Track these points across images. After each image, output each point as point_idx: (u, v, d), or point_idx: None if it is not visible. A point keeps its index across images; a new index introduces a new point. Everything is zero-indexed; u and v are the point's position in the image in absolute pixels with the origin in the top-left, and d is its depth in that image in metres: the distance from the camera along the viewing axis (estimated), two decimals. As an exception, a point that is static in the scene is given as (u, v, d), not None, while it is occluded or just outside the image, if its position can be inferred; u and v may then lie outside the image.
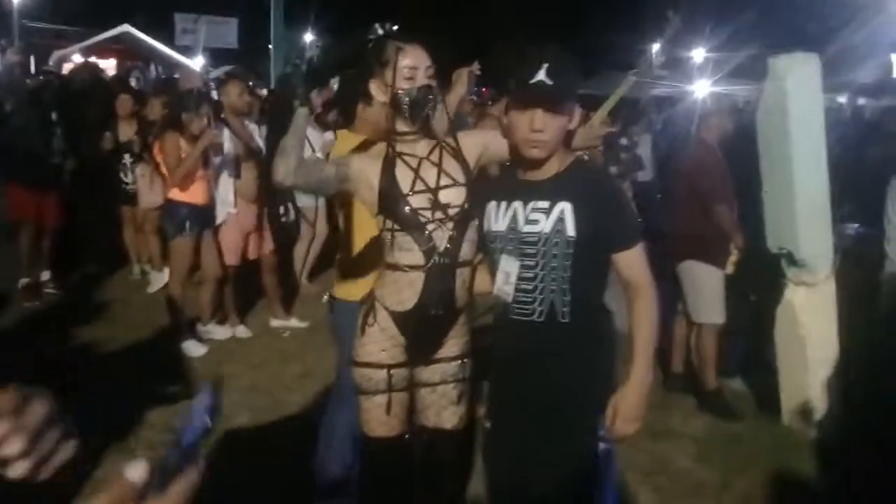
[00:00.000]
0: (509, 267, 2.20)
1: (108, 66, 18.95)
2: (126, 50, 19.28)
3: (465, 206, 2.27)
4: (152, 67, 19.04)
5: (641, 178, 8.14)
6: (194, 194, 5.02)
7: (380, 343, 2.34)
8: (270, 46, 17.80)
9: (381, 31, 2.27)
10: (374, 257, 2.49)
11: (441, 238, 2.25)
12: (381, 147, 2.33)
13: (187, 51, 16.75)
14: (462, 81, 3.14)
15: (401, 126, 2.27)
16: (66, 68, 16.38)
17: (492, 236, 2.27)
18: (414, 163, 2.28)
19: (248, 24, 19.99)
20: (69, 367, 4.49)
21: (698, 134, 4.71)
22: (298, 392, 4.42)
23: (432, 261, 2.25)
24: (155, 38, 18.86)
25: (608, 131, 2.83)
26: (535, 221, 2.17)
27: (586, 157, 2.54)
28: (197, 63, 17.92)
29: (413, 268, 2.25)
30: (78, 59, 18.56)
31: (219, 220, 5.20)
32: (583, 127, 2.45)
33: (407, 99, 2.20)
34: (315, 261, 6.56)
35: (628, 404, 2.17)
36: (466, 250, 2.30)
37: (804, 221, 3.84)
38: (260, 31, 19.25)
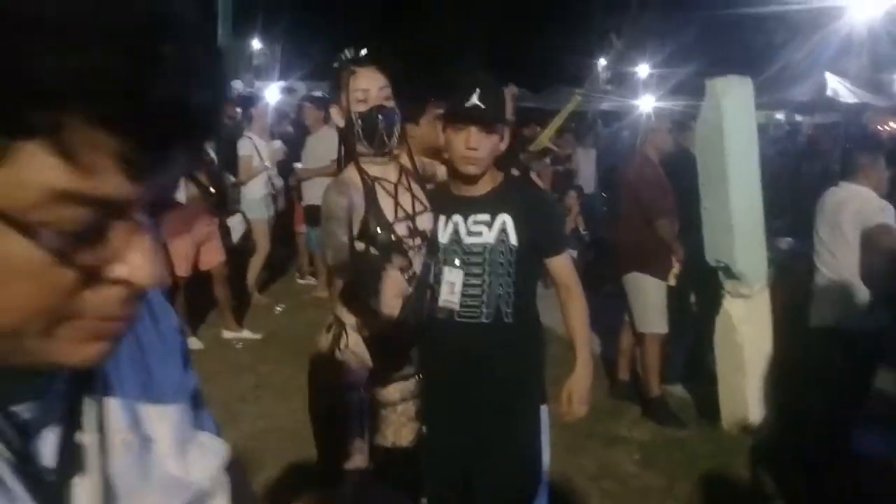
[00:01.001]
0: (453, 277, 2.38)
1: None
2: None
3: (433, 230, 2.39)
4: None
5: (585, 190, 8.35)
6: None
7: (348, 366, 2.34)
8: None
9: (343, 57, 2.33)
10: None
11: (417, 264, 2.33)
12: (352, 175, 2.31)
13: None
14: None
15: (361, 148, 2.29)
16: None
17: (439, 247, 2.42)
18: (391, 189, 2.31)
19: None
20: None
21: (641, 149, 4.89)
22: (253, 403, 4.46)
23: (413, 286, 2.31)
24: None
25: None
26: (478, 233, 2.37)
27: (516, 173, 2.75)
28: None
29: (395, 293, 2.28)
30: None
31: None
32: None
33: (360, 122, 2.22)
34: (263, 273, 6.57)
35: (580, 387, 2.42)
36: (432, 272, 2.40)
37: (740, 236, 4.03)
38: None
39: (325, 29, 29.10)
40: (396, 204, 2.30)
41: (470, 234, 2.38)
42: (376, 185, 2.28)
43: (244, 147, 6.55)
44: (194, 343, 5.42)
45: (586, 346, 2.47)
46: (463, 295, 2.36)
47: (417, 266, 2.33)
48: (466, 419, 2.45)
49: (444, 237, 2.41)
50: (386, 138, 2.24)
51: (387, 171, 2.33)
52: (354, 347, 2.34)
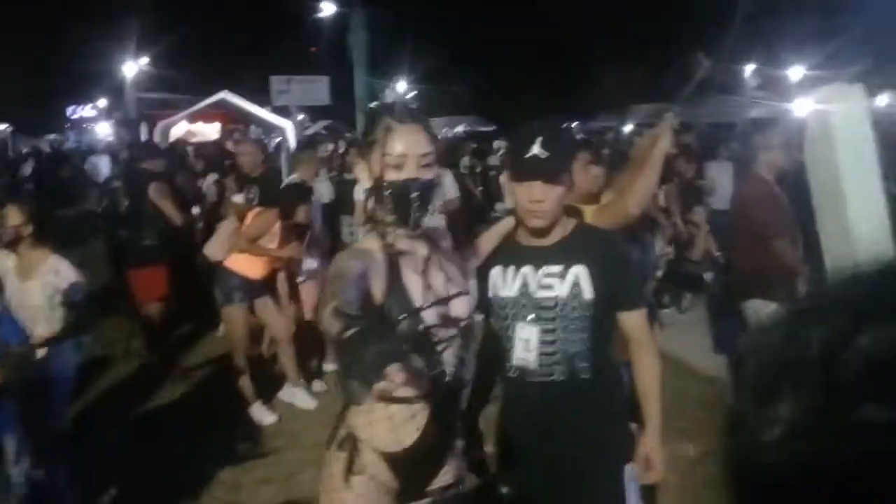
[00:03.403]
0: (527, 334, 2.25)
1: (213, 129, 20.17)
2: (227, 114, 20.47)
3: (472, 317, 2.04)
4: (252, 129, 20.11)
5: (717, 205, 7.90)
6: (250, 268, 4.97)
7: (367, 496, 1.94)
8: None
9: (381, 104, 2.14)
10: None
11: (449, 359, 1.93)
12: (372, 245, 1.90)
13: (282, 111, 17.50)
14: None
15: (387, 218, 1.88)
16: (174, 135, 17.55)
17: (502, 302, 2.30)
18: (419, 266, 1.92)
19: (340, 81, 20.81)
20: (148, 426, 4.78)
21: (752, 167, 4.57)
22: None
23: (440, 388, 1.89)
24: (254, 100, 19.90)
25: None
26: (550, 286, 2.23)
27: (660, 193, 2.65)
28: (296, 121, 18.87)
29: (416, 398, 1.84)
30: (184, 125, 19.84)
31: (301, 278, 5.42)
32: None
33: (389, 192, 1.84)
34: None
35: (654, 451, 2.28)
36: (471, 369, 2.13)
37: (863, 261, 3.64)
38: (351, 85, 19.99)
39: (467, 73, 29.84)
40: (426, 285, 1.91)
41: (541, 287, 2.24)
42: (401, 260, 1.89)
43: (359, 192, 6.75)
44: (316, 387, 5.58)
45: (657, 408, 2.30)
46: (539, 353, 2.24)
47: (450, 363, 1.93)
48: (545, 482, 2.32)
49: (511, 290, 2.28)
50: (419, 216, 1.86)
51: (415, 243, 1.94)
52: (372, 469, 1.94)
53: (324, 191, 7.07)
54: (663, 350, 2.50)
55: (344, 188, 7.17)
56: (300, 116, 22.87)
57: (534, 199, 2.17)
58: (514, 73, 28.90)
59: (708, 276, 6.97)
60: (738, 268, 4.47)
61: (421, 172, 1.85)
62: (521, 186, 2.19)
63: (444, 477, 2.04)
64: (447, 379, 1.92)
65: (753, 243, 4.28)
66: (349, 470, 1.92)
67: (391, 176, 1.83)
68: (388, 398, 1.81)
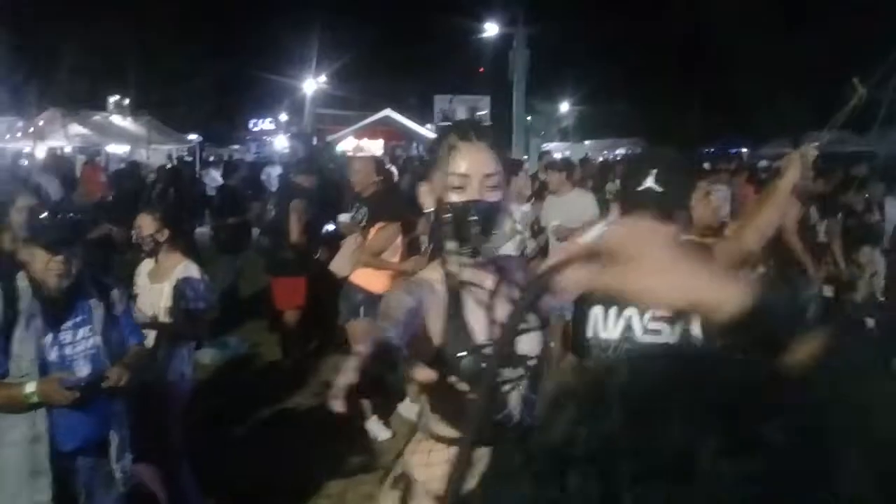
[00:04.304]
0: None
1: (377, 145, 21.02)
2: (390, 131, 21.25)
3: (542, 355, 1.83)
4: (413, 146, 20.76)
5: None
6: (373, 283, 4.94)
7: None
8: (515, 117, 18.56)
9: (447, 122, 2.02)
10: None
11: (516, 400, 1.77)
12: (433, 275, 1.79)
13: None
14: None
15: (450, 245, 1.75)
16: (340, 150, 18.43)
17: (603, 344, 2.13)
18: (484, 298, 1.76)
19: (500, 99, 20.98)
20: (267, 430, 4.96)
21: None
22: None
23: (504, 433, 1.72)
24: (417, 118, 20.56)
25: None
26: (657, 332, 2.04)
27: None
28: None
29: (479, 442, 1.66)
30: (351, 140, 20.80)
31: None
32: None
33: (448, 216, 1.72)
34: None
35: None
36: (538, 410, 1.85)
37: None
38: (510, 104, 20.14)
39: (634, 93, 29.16)
40: (491, 319, 1.73)
41: (647, 332, 2.05)
42: (464, 291, 1.75)
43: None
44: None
45: None
46: None
47: (516, 405, 1.76)
48: None
49: (614, 333, 2.10)
50: (480, 241, 1.72)
51: (481, 273, 1.79)
52: None
53: (522, 216, 7.05)
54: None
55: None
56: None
57: None
58: (683, 94, 27.86)
59: (869, 322, 6.32)
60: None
61: (484, 194, 1.71)
62: (629, 221, 1.99)
63: None
64: (512, 423, 1.75)
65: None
66: None
67: (453, 197, 1.71)
68: (450, 441, 1.71)
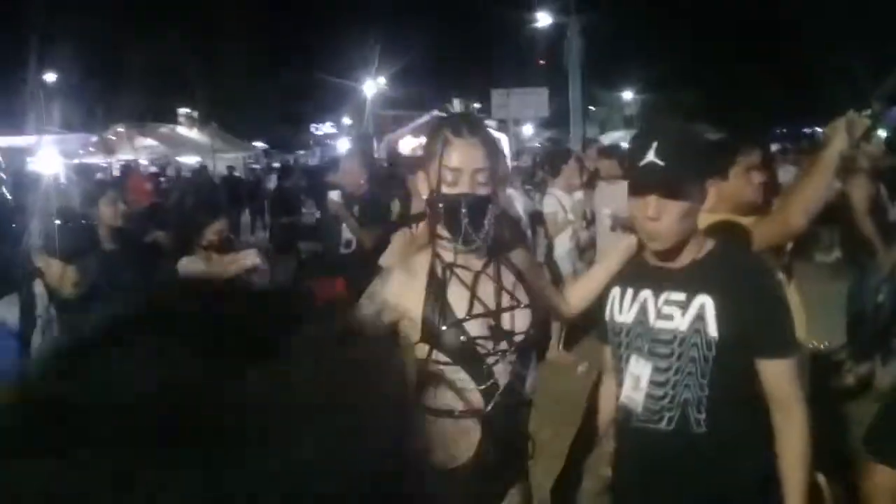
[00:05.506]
0: (639, 370, 1.92)
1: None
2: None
3: (531, 331, 1.90)
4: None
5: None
6: None
7: None
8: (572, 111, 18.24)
9: (444, 114, 2.08)
10: None
11: (502, 373, 1.84)
12: (424, 258, 1.90)
13: (502, 123, 17.78)
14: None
15: (443, 232, 1.88)
16: (400, 149, 18.51)
17: (617, 327, 2.00)
18: (469, 278, 1.87)
19: (559, 90, 20.72)
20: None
21: None
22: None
23: (493, 402, 1.81)
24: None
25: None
26: (670, 317, 1.87)
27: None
28: (514, 133, 19.13)
29: (467, 413, 1.79)
30: (410, 140, 20.84)
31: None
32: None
33: (441, 206, 1.83)
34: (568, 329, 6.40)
35: None
36: (530, 385, 1.91)
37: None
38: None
39: (699, 80, 28.48)
40: (473, 297, 1.84)
41: (660, 316, 1.89)
42: (450, 273, 1.86)
43: (549, 204, 6.55)
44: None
45: (798, 490, 1.82)
46: (647, 394, 1.89)
47: (501, 376, 1.83)
48: None
49: (628, 317, 1.96)
50: (472, 232, 1.81)
51: (470, 258, 1.90)
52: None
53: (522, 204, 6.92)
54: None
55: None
56: (524, 127, 23.19)
57: (648, 215, 1.81)
58: (748, 80, 26.92)
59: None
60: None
61: (475, 188, 1.81)
62: (637, 201, 1.85)
63: (512, 500, 1.94)
64: (499, 393, 1.82)
65: None
66: None
67: (445, 190, 1.82)
68: (435, 412, 1.72)
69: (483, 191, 1.82)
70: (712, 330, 1.80)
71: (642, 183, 1.85)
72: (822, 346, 6.29)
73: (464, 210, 1.78)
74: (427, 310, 1.82)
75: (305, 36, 33.81)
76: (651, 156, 1.79)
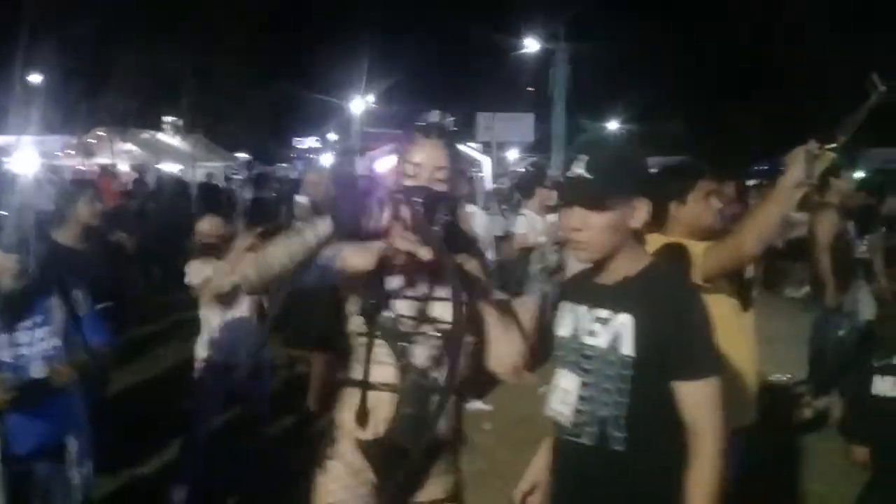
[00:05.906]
0: (567, 384, 1.92)
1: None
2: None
3: (456, 325, 1.87)
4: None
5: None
6: None
7: (343, 480, 2.03)
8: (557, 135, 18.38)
9: (422, 119, 2.04)
10: None
11: (421, 355, 1.99)
12: (379, 242, 2.03)
13: (486, 146, 17.90)
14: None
15: (398, 220, 1.91)
16: (378, 167, 18.49)
17: (557, 341, 2.01)
18: (410, 266, 1.98)
19: (545, 117, 20.86)
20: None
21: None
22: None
23: (407, 379, 1.97)
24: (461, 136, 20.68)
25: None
26: (594, 333, 1.89)
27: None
28: (497, 156, 19.23)
29: (385, 386, 1.98)
30: (391, 157, 20.90)
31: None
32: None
33: (398, 195, 1.87)
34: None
35: None
36: (448, 375, 1.91)
37: None
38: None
39: (686, 110, 28.80)
40: (409, 280, 2.00)
41: (588, 332, 1.90)
42: (397, 257, 1.98)
43: (521, 225, 6.57)
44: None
45: None
46: (574, 409, 1.89)
47: (419, 357, 1.99)
48: None
49: (566, 331, 1.97)
50: (423, 224, 1.84)
51: (418, 248, 1.92)
52: (348, 455, 2.04)
53: (484, 223, 6.93)
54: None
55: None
56: (508, 153, 23.29)
57: (572, 225, 1.85)
58: (736, 111, 27.24)
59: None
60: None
61: (433, 184, 1.93)
62: (563, 210, 1.90)
63: (432, 490, 2.06)
64: (415, 372, 1.96)
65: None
66: (325, 455, 2.05)
67: (406, 183, 1.93)
68: (356, 382, 1.98)
69: (440, 188, 1.93)
70: (628, 349, 1.80)
71: (569, 193, 1.89)
72: (784, 379, 6.35)
73: (418, 200, 1.83)
74: (366, 285, 1.99)
75: (296, 51, 33.94)
76: (580, 169, 1.84)
